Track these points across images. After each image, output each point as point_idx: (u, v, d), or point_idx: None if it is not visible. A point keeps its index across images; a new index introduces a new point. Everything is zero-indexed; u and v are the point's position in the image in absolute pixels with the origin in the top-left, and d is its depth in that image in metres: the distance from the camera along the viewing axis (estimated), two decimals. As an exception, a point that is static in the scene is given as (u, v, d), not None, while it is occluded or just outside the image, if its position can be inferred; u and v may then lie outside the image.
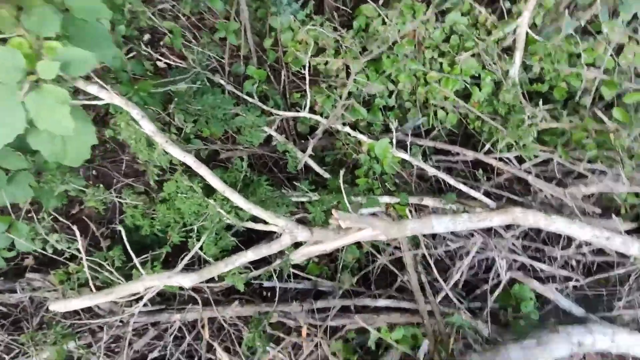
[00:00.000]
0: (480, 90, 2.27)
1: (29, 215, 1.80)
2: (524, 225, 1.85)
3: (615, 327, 1.75)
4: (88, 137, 1.25)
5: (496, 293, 1.96)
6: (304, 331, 1.87)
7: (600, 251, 2.22)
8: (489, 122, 2.21)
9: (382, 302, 1.99)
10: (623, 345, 1.69)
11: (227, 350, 1.85)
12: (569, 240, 2.23)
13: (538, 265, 2.09)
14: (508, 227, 2.16)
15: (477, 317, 1.94)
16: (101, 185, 1.86)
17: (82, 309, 1.88)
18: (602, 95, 2.16)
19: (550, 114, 2.18)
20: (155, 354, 1.85)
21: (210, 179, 1.54)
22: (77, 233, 1.50)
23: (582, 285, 2.08)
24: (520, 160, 2.29)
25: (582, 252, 2.17)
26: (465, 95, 2.33)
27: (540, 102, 2.10)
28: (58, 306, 1.27)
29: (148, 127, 1.50)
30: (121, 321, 1.78)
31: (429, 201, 2.10)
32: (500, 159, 2.28)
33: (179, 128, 2.27)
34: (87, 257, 1.80)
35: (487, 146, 2.32)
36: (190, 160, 1.50)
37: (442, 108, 2.42)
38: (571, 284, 2.05)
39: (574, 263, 2.19)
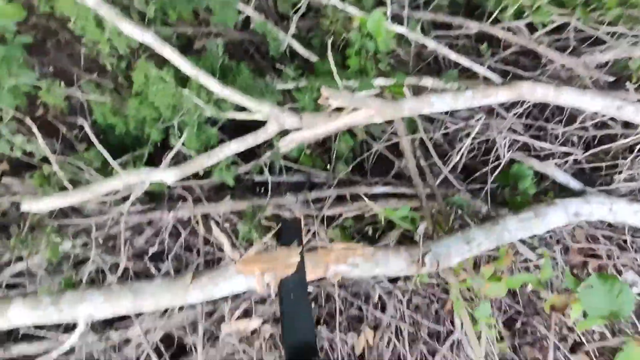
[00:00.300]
0: (490, -57, 1.91)
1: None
2: (531, 100, 1.71)
3: (614, 198, 1.74)
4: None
5: (495, 173, 1.90)
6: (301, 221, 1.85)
7: (603, 125, 2.13)
8: (499, -17, 1.91)
9: (379, 189, 1.95)
10: (621, 214, 1.69)
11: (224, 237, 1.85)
12: (572, 117, 2.12)
13: (538, 144, 2.00)
14: (511, 106, 2.02)
15: (476, 197, 1.91)
16: (58, 80, 1.64)
17: (72, 212, 1.83)
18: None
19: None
20: (154, 250, 1.85)
21: (177, 61, 1.33)
22: (36, 131, 1.34)
23: (582, 160, 2.02)
24: (531, 29, 2.05)
25: (584, 126, 2.07)
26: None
27: (562, -47, 1.79)
28: (30, 205, 1.19)
29: (92, -1, 1.23)
30: (113, 219, 1.73)
31: (428, 81, 1.91)
32: (508, 29, 2.03)
33: (142, 13, 1.96)
34: (63, 160, 1.70)
35: (494, 15, 2.05)
36: (150, 39, 1.28)
37: (444, -28, 2.08)
38: (571, 158, 1.99)
39: (575, 139, 2.11)
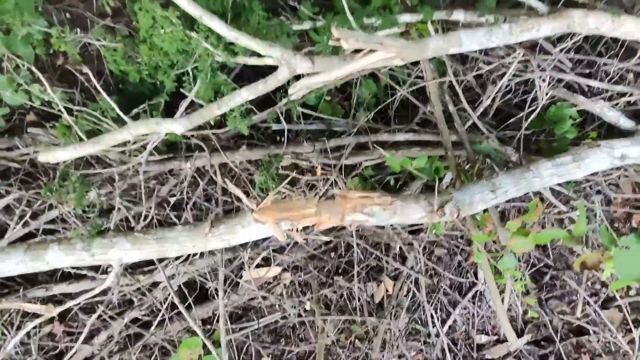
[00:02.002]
0: None
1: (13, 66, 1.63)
2: (582, 32, 1.48)
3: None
4: None
5: (531, 118, 1.72)
6: (319, 170, 1.80)
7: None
8: None
9: (401, 137, 1.83)
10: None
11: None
12: (631, 49, 1.84)
13: (587, 82, 1.77)
14: (558, 40, 1.78)
15: (507, 144, 1.76)
16: (68, 27, 1.60)
17: (97, 162, 1.88)
18: None
19: None
20: (174, 199, 1.88)
21: (180, 0, 1.23)
22: (43, 80, 1.33)
23: (637, 101, 1.78)
24: (589, -54, 1.74)
25: (644, 64, 1.80)
26: None
27: None
28: (46, 157, 1.21)
29: None
30: (136, 170, 1.76)
31: (460, 15, 1.70)
32: (561, -53, 1.73)
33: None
34: (81, 109, 1.71)
35: None
36: (149, -25, 1.18)
37: None
38: (623, 99, 1.75)
39: (631, 77, 1.85)
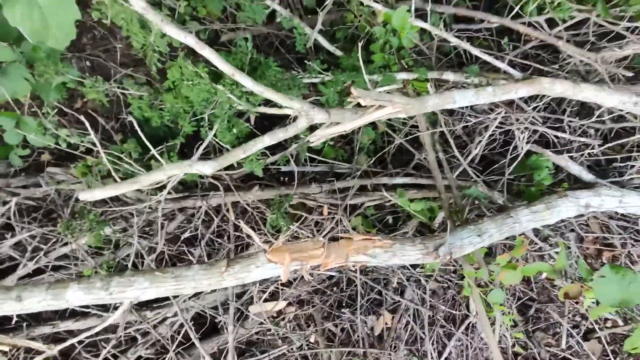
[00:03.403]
0: (514, -63, 1.94)
1: (33, 110, 1.74)
2: (551, 95, 1.76)
3: (624, 190, 1.79)
4: (70, 11, 1.10)
5: (513, 165, 1.97)
6: (325, 209, 1.95)
7: (620, 118, 2.17)
8: (521, -21, 1.93)
9: (399, 180, 2.03)
10: (631, 206, 1.75)
11: (252, 230, 1.96)
12: (591, 110, 2.16)
13: (556, 134, 2.06)
14: (530, 100, 2.07)
15: (493, 188, 1.99)
16: (99, 77, 1.75)
17: (111, 199, 1.96)
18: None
19: (593, -36, 1.89)
20: (187, 235, 1.97)
21: (216, 61, 1.41)
22: (87, 123, 1.45)
23: (598, 152, 2.07)
24: (551, 24, 2.08)
25: (602, 119, 2.11)
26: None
27: (585, -52, 1.81)
28: (86, 195, 1.30)
29: (138, 3, 1.32)
30: (150, 207, 1.85)
31: (449, 75, 1.97)
32: (529, 24, 2.06)
33: (171, 9, 2.04)
34: (104, 150, 1.82)
35: (516, 10, 2.08)
36: (192, 41, 1.36)
37: (467, -35, 2.11)
38: (587, 151, 2.04)
39: (592, 132, 2.15)
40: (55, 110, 1.76)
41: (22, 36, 1.65)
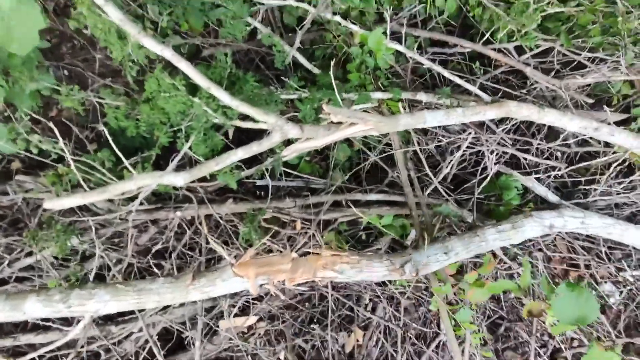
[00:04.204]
0: (484, -30, 2.04)
1: (5, 114, 1.72)
2: (517, 118, 1.84)
3: (587, 212, 1.87)
4: (34, 19, 1.11)
5: (483, 184, 2.03)
6: (298, 224, 1.96)
7: (585, 142, 2.27)
8: (491, 8, 2.04)
9: (373, 196, 2.06)
10: (592, 228, 1.82)
11: (225, 243, 1.95)
12: (557, 132, 2.26)
13: (524, 156, 2.14)
14: (500, 122, 2.16)
15: (463, 207, 2.04)
16: (76, 86, 1.75)
17: (80, 209, 1.92)
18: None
19: (557, -2, 2.01)
20: (158, 247, 1.94)
21: (192, 74, 1.44)
22: (57, 132, 1.44)
23: (563, 174, 2.16)
24: (520, 51, 2.19)
25: (567, 143, 2.21)
26: (468, -22, 2.11)
27: (550, -17, 1.92)
28: (53, 204, 1.28)
29: (115, 15, 1.34)
30: (121, 218, 1.83)
31: (422, 96, 2.04)
32: (499, 50, 2.17)
33: (154, 22, 2.07)
34: (75, 158, 1.79)
35: (487, 36, 2.18)
36: (169, 54, 1.38)
37: (441, -7, 2.21)
38: (553, 173, 2.12)
39: (558, 155, 2.24)
40: (28, 117, 1.74)
41: (-3, 42, 1.65)
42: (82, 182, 1.43)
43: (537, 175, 2.07)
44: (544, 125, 2.32)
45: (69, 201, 1.31)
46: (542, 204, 2.09)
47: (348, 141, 2.26)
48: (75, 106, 1.78)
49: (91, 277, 1.77)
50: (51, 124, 1.46)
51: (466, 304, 1.94)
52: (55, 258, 1.93)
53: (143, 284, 1.37)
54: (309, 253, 1.38)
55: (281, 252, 1.44)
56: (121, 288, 1.34)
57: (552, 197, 2.01)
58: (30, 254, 1.84)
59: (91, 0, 1.34)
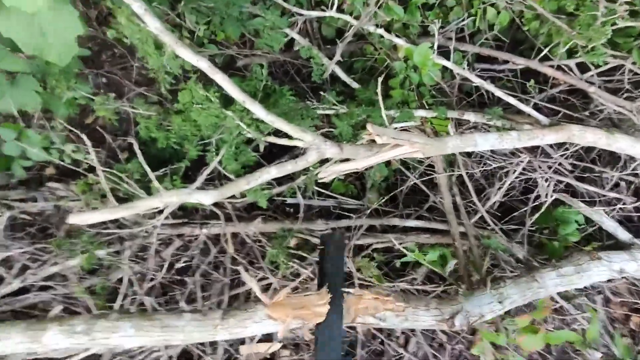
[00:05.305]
0: (545, -21, 1.87)
1: (41, 122, 1.71)
2: (581, 143, 1.64)
3: (664, 255, 1.62)
4: (72, 25, 1.05)
5: (536, 215, 1.82)
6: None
7: (656, 174, 2.02)
8: (551, 21, 1.85)
9: (411, 222, 1.90)
10: (670, 274, 1.58)
11: (250, 263, 1.85)
12: (620, 159, 2.02)
13: (585, 186, 1.91)
14: (558, 146, 1.95)
15: (511, 239, 1.84)
16: (111, 94, 1.72)
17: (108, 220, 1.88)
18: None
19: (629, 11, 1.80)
20: (182, 264, 1.87)
21: (227, 86, 1.35)
22: (88, 143, 1.40)
23: (631, 208, 1.91)
24: (582, 68, 1.98)
25: (636, 172, 1.96)
26: (524, -11, 1.94)
27: (621, -5, 1.72)
28: (77, 219, 1.22)
29: (153, 24, 1.28)
30: (146, 232, 1.77)
31: (470, 116, 1.88)
32: (558, 67, 1.97)
33: (191, 31, 2.03)
34: (105, 169, 1.75)
35: (544, 52, 1.99)
36: (205, 65, 1.31)
37: (492, 5, 2.05)
38: (618, 206, 1.88)
39: (623, 185, 2.00)
40: (63, 127, 1.72)
41: (37, 49, 1.65)
42: (108, 195, 1.37)
43: (602, 207, 1.83)
44: (605, 151, 2.09)
45: (94, 217, 1.24)
46: (607, 240, 1.84)
47: (386, 161, 2.12)
48: (109, 115, 1.75)
49: (117, 302, 1.70)
50: (84, 136, 1.40)
51: (510, 347, 1.73)
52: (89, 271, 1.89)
53: (169, 319, 1.27)
54: (349, 293, 1.23)
55: (313, 288, 1.30)
56: (146, 323, 1.24)
57: (623, 235, 1.75)
58: (55, 263, 1.80)
59: (130, 10, 1.29)
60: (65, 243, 1.73)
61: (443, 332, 2.11)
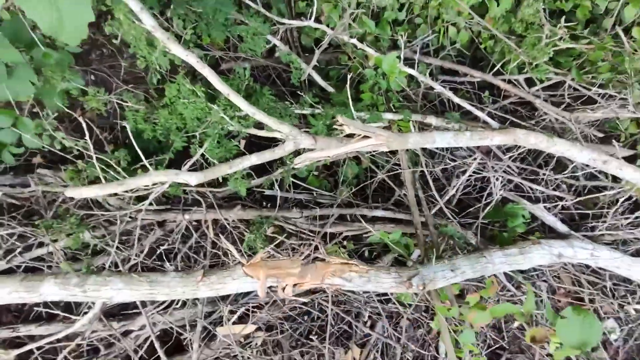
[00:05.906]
0: (498, 5, 2.14)
1: (34, 111, 1.81)
2: (525, 146, 1.88)
3: (596, 244, 1.86)
4: (85, 11, 1.19)
5: (488, 209, 2.05)
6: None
7: (592, 177, 2.29)
8: (503, 41, 2.12)
9: (378, 213, 2.09)
10: (602, 260, 1.81)
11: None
12: (564, 165, 2.28)
13: (530, 185, 2.16)
14: (507, 150, 2.19)
15: (467, 229, 2.05)
16: (101, 88, 1.85)
17: (94, 204, 1.98)
18: (622, 20, 2.06)
19: (570, 34, 2.09)
20: (164, 248, 1.98)
21: (213, 80, 1.51)
22: (84, 126, 1.52)
23: (570, 206, 2.17)
24: (530, 83, 2.25)
25: (575, 176, 2.23)
26: (481, 12, 2.21)
27: (562, 20, 2.00)
28: (73, 192, 1.34)
29: (148, 22, 1.43)
30: (130, 216, 1.88)
31: (432, 119, 2.10)
32: (509, 81, 2.23)
33: (178, 35, 2.19)
34: (97, 155, 1.86)
35: (497, 67, 2.26)
36: (193, 60, 1.47)
37: (454, 24, 2.31)
38: (560, 204, 2.14)
39: (565, 187, 2.26)
40: (55, 114, 1.83)
41: (34, 42, 1.76)
42: (100, 177, 1.49)
43: (545, 204, 2.08)
44: (552, 157, 2.35)
45: (89, 191, 1.37)
46: (549, 235, 2.09)
47: (356, 159, 2.31)
48: (99, 107, 1.87)
49: (106, 266, 1.80)
50: (81, 119, 1.53)
51: (467, 326, 1.92)
52: (65, 252, 1.97)
53: (155, 276, 1.40)
54: (318, 259, 1.40)
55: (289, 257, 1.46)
56: (135, 277, 1.37)
57: (562, 227, 2.00)
58: (41, 244, 1.88)
59: (128, 8, 1.44)
60: (53, 224, 1.82)
61: (407, 318, 2.28)
